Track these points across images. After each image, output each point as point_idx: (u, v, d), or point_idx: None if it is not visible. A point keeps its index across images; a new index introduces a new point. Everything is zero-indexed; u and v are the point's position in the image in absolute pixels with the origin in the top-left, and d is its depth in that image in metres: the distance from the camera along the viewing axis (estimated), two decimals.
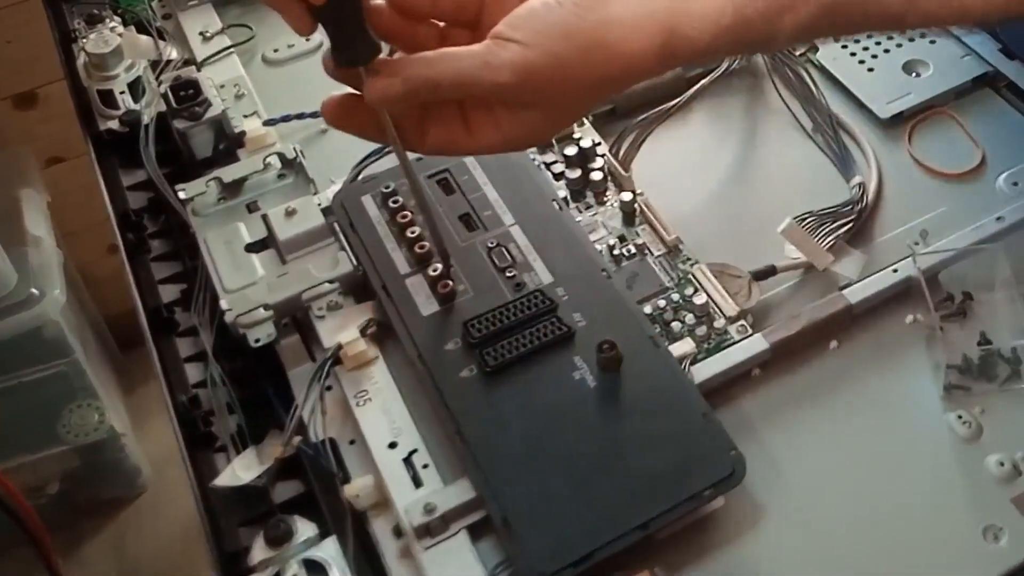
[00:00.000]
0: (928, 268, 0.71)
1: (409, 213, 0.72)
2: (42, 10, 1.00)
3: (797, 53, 0.86)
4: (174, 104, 0.81)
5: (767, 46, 0.66)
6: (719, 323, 0.69)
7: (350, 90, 0.58)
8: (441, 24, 0.60)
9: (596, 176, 0.78)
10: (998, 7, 0.54)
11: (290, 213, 0.74)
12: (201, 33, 0.92)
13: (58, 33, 0.96)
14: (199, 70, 0.88)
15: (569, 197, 0.78)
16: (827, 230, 0.73)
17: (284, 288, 0.70)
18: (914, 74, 0.86)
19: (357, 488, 0.63)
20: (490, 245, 0.71)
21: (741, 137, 0.84)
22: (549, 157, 0.80)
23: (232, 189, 0.77)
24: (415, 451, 0.64)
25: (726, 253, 0.73)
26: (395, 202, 0.73)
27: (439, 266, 0.69)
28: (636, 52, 0.54)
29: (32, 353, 1.42)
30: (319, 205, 0.75)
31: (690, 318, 0.70)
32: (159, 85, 0.86)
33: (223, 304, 0.69)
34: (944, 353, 0.67)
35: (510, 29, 0.55)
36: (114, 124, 0.85)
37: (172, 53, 0.90)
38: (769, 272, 0.72)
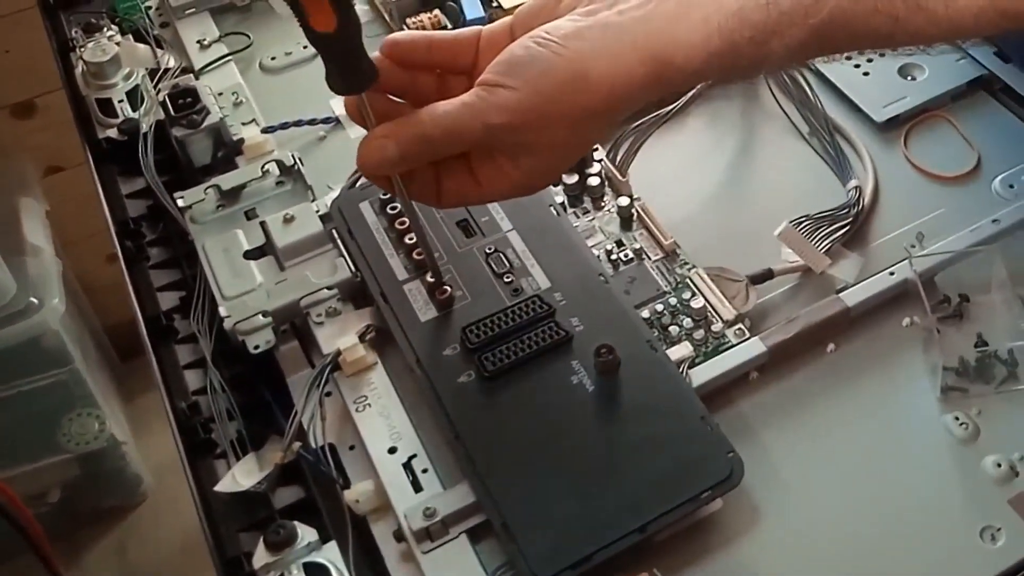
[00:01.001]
0: (925, 271, 0.71)
1: (407, 220, 0.72)
2: (40, 19, 1.00)
3: None
4: (172, 112, 0.82)
5: (756, 70, 0.66)
6: (716, 327, 0.69)
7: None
8: (438, 72, 0.61)
9: (593, 181, 0.78)
10: (989, 21, 0.53)
11: (288, 220, 0.74)
12: (199, 41, 0.93)
13: (56, 42, 0.97)
14: (197, 78, 0.88)
15: (566, 202, 0.78)
16: (824, 233, 0.74)
17: (283, 295, 0.71)
18: (909, 78, 0.86)
19: (357, 493, 0.63)
20: (488, 251, 0.71)
21: (737, 142, 0.84)
22: None
23: (230, 196, 0.78)
24: (414, 456, 0.64)
25: (723, 257, 0.73)
26: (393, 209, 0.73)
27: (432, 273, 0.69)
28: (618, 82, 0.55)
29: (32, 362, 1.42)
30: (317, 212, 0.75)
31: (688, 322, 0.70)
32: (157, 93, 0.86)
33: (222, 311, 0.70)
34: (941, 355, 0.67)
35: (495, 75, 0.56)
36: (113, 132, 0.85)
37: (170, 61, 0.91)
38: (766, 276, 0.72)
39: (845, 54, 0.86)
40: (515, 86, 0.55)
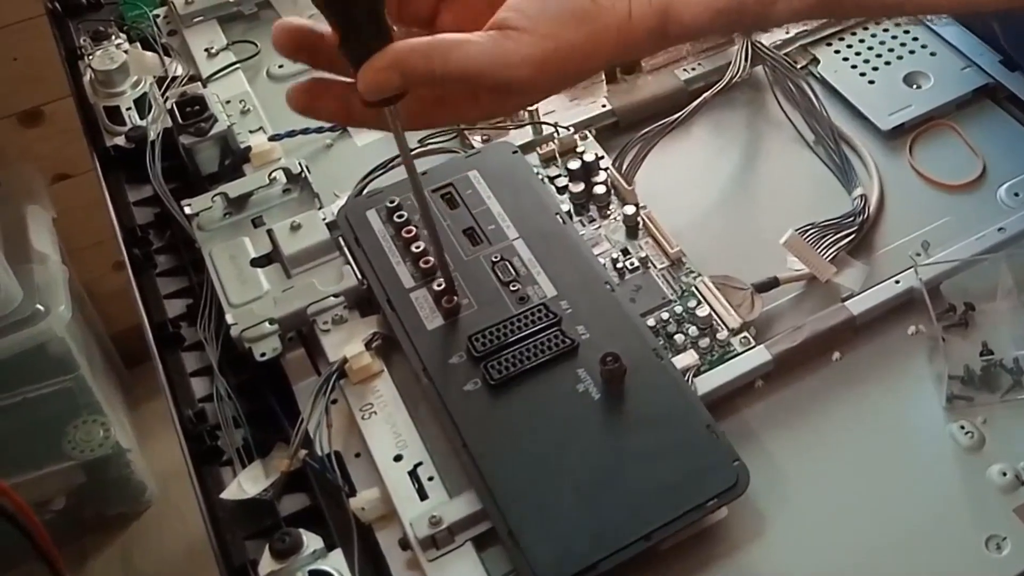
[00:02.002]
0: (930, 279, 0.71)
1: (414, 228, 0.72)
2: (48, 28, 1.01)
3: (798, 66, 0.87)
4: (180, 120, 0.82)
5: (758, 28, 0.65)
6: (722, 335, 0.69)
7: (317, 74, 0.56)
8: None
9: (599, 190, 0.78)
10: None
11: (295, 228, 0.74)
12: (206, 49, 0.93)
13: (64, 50, 0.97)
14: (205, 86, 0.89)
15: (572, 211, 0.78)
16: (829, 242, 0.74)
17: (289, 302, 0.71)
18: (915, 86, 0.86)
19: (363, 501, 0.63)
20: (494, 259, 0.71)
21: (743, 150, 0.84)
22: (552, 171, 0.80)
23: (238, 204, 0.78)
24: (420, 464, 0.64)
25: (729, 265, 0.73)
26: (400, 216, 0.73)
27: (443, 280, 0.69)
28: (637, 34, 0.54)
29: (37, 369, 1.42)
30: (324, 219, 0.75)
31: (693, 330, 0.70)
32: (165, 101, 0.86)
33: (228, 318, 0.70)
34: (946, 364, 0.67)
35: (519, 17, 0.53)
36: (120, 140, 0.86)
37: (178, 69, 0.91)
38: (771, 284, 0.72)
39: (853, 19, 0.86)
40: (544, 32, 0.52)
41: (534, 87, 0.55)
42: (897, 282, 0.72)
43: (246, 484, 0.65)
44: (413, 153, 0.79)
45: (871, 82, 0.87)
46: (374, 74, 0.53)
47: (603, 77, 0.87)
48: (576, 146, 0.82)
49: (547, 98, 0.59)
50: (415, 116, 0.57)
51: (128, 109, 0.88)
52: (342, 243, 0.74)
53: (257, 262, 0.74)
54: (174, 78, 0.90)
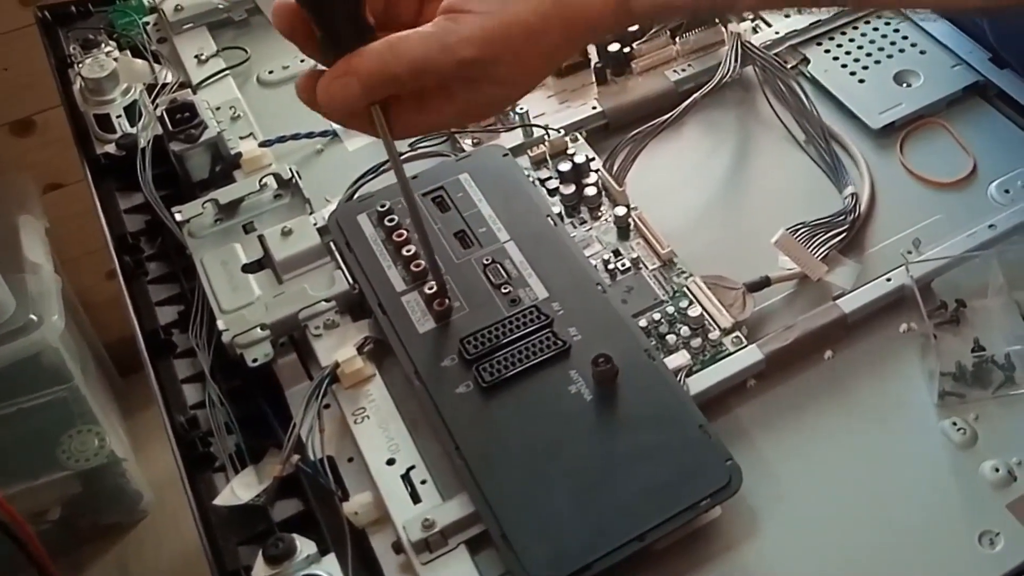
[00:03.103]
0: (921, 276, 0.71)
1: (405, 231, 0.72)
2: (38, 37, 1.00)
3: (789, 66, 0.87)
4: (170, 127, 0.82)
5: (726, 11, 0.64)
6: (714, 335, 0.69)
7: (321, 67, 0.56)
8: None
9: (590, 191, 0.78)
10: None
11: (286, 233, 0.74)
12: (196, 56, 0.93)
13: (54, 59, 0.97)
14: (195, 93, 0.89)
15: (563, 212, 0.78)
16: (820, 240, 0.74)
17: (281, 307, 0.71)
18: (905, 84, 0.86)
19: (356, 505, 0.63)
20: (485, 262, 0.71)
21: (734, 150, 0.85)
22: (543, 173, 0.80)
23: (228, 210, 0.78)
24: (413, 467, 0.64)
25: (720, 265, 0.73)
26: (391, 221, 0.73)
27: (435, 283, 0.69)
28: (595, 9, 0.53)
29: (31, 379, 1.42)
30: (315, 224, 0.75)
31: (685, 330, 0.70)
32: (155, 108, 0.86)
33: (220, 324, 0.70)
34: (938, 361, 0.67)
35: (463, 0, 0.53)
36: (111, 148, 0.86)
37: (168, 76, 0.91)
38: (763, 283, 0.72)
39: (838, 42, 0.87)
40: (488, 10, 0.52)
41: (485, 70, 0.54)
42: (888, 280, 0.72)
43: (239, 490, 0.65)
44: (404, 157, 0.80)
45: (861, 81, 0.87)
46: (330, 83, 0.53)
47: (593, 79, 0.87)
48: (567, 148, 0.82)
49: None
50: (400, 124, 0.57)
51: (118, 117, 0.88)
52: (333, 248, 0.74)
53: (248, 268, 0.74)
54: (164, 85, 0.90)
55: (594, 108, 0.85)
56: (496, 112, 0.79)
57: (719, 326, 0.70)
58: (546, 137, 0.82)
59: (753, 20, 0.90)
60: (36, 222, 1.53)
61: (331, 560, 0.60)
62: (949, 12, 0.83)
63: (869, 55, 0.88)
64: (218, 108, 0.87)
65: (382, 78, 0.53)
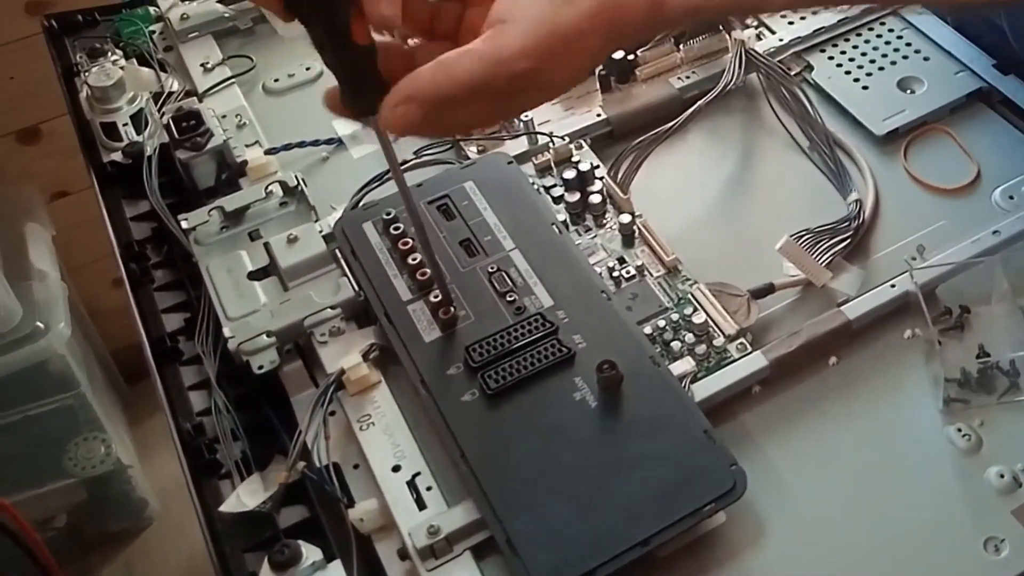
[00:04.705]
0: (926, 283, 0.71)
1: (410, 240, 0.73)
2: (44, 46, 1.01)
3: (792, 73, 0.87)
4: (176, 135, 0.82)
5: (756, 12, 0.64)
6: (719, 341, 0.70)
7: None
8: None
9: (595, 199, 0.78)
10: None
11: (292, 240, 0.74)
12: (202, 64, 0.93)
13: (60, 67, 0.97)
14: (201, 101, 0.89)
15: (568, 220, 0.78)
16: (825, 247, 0.74)
17: (286, 315, 0.71)
18: (909, 91, 0.86)
19: (361, 512, 0.63)
20: (491, 270, 0.71)
21: (738, 157, 0.85)
22: (548, 181, 0.81)
23: (234, 218, 0.78)
24: (418, 474, 0.64)
25: (724, 272, 0.73)
26: (396, 229, 0.73)
27: (440, 292, 0.69)
28: (631, 10, 0.53)
29: (38, 387, 1.42)
30: (320, 232, 0.76)
31: (690, 337, 0.70)
32: (161, 116, 0.86)
33: (226, 332, 0.70)
34: (943, 367, 0.67)
35: (507, 10, 0.53)
36: (117, 156, 0.86)
37: (174, 85, 0.91)
38: (767, 290, 0.73)
39: (855, 7, 0.87)
40: (534, 18, 0.52)
41: (539, 77, 0.53)
42: (893, 286, 0.72)
43: (245, 497, 0.65)
44: (408, 164, 0.80)
45: (865, 87, 0.87)
46: (391, 112, 0.53)
47: (598, 86, 0.87)
48: (571, 155, 0.82)
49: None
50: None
51: (125, 125, 0.88)
52: (339, 255, 0.74)
53: (254, 275, 0.74)
54: (170, 93, 0.90)
55: (598, 115, 0.85)
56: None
57: (724, 333, 0.70)
58: (551, 144, 0.82)
59: (757, 27, 0.91)
60: (43, 230, 1.54)
61: (336, 567, 0.60)
62: (970, 8, 0.83)
63: (873, 62, 0.89)
64: (224, 116, 0.87)
65: (442, 101, 0.53)
